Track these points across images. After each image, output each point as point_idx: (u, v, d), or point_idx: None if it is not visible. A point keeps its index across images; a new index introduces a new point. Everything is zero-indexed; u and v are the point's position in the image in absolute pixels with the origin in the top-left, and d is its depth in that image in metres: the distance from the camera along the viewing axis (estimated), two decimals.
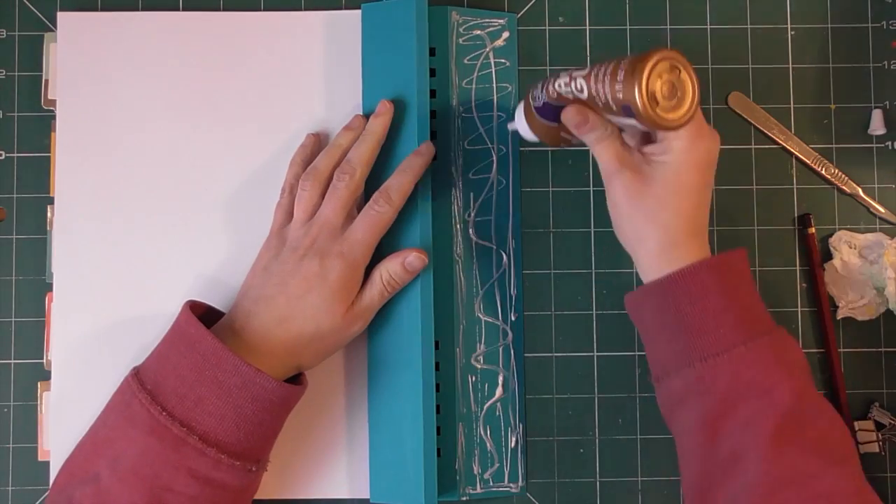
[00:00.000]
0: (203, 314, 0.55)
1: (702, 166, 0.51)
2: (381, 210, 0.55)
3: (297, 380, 0.55)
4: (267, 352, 0.52)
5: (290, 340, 0.53)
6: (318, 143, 0.61)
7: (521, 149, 0.63)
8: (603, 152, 0.52)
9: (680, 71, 0.47)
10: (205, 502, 0.49)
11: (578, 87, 0.50)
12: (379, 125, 0.58)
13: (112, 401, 0.52)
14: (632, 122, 0.48)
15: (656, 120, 0.47)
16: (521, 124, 0.57)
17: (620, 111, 0.48)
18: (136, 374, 0.51)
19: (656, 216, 0.51)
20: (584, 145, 0.54)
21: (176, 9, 0.63)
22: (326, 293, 0.53)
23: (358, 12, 0.61)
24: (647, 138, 0.53)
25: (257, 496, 0.54)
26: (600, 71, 0.48)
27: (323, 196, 0.56)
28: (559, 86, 0.51)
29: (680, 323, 0.50)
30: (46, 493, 0.59)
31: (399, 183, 0.56)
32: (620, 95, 0.47)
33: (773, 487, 0.46)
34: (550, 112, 0.53)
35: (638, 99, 0.46)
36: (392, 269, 0.56)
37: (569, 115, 0.51)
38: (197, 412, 0.49)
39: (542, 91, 0.53)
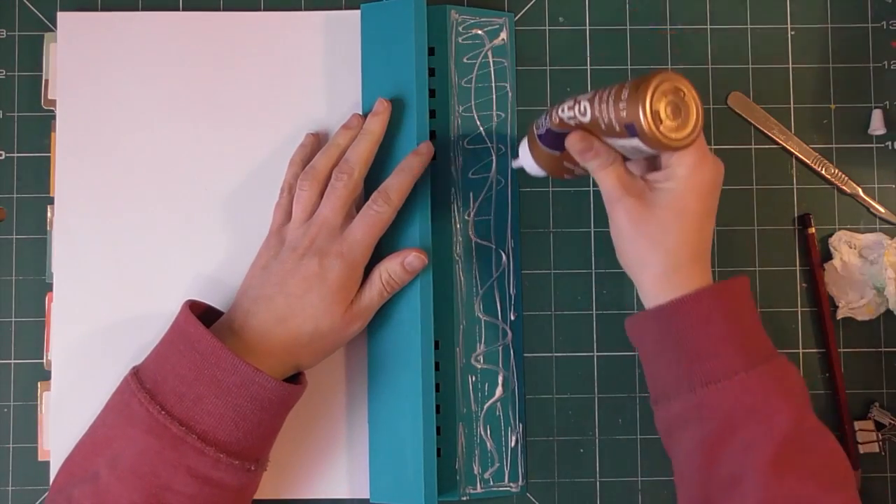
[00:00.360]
0: (202, 314, 0.55)
1: (705, 192, 0.51)
2: (379, 210, 0.55)
3: (296, 379, 0.54)
4: (266, 351, 0.52)
5: (289, 340, 0.53)
6: (317, 142, 0.61)
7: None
8: (606, 178, 0.52)
9: (684, 93, 0.47)
10: (203, 501, 0.49)
11: (582, 109, 0.50)
12: (377, 124, 0.58)
13: (111, 400, 0.52)
14: (635, 142, 0.48)
15: (660, 138, 0.47)
16: (525, 157, 0.56)
17: (624, 131, 0.48)
18: (136, 373, 0.51)
19: (659, 241, 0.51)
20: (588, 176, 0.54)
21: (176, 9, 0.63)
22: (325, 293, 0.53)
23: (357, 12, 0.61)
24: (650, 168, 0.53)
25: (257, 496, 0.54)
26: (604, 93, 0.49)
27: (322, 195, 0.56)
28: (562, 110, 0.51)
29: (681, 348, 0.50)
30: (46, 493, 0.59)
31: (398, 183, 0.56)
32: (624, 114, 0.47)
33: None
34: (554, 140, 0.53)
35: (642, 116, 0.46)
36: (391, 269, 0.56)
37: (573, 140, 0.51)
38: (196, 411, 0.49)
39: (545, 118, 0.53)
